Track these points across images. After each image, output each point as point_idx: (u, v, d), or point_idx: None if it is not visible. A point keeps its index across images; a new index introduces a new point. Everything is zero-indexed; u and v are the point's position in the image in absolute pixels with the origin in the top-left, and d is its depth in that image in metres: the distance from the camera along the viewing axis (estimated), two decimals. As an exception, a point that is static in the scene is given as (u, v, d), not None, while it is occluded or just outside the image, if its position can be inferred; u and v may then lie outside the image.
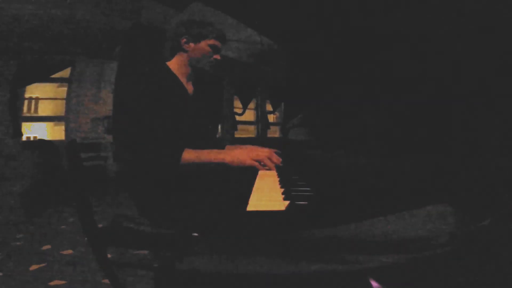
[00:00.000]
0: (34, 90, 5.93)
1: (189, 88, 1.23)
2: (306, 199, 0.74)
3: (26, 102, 5.10)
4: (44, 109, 6.23)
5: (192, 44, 1.17)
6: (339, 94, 1.36)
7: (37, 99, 6.33)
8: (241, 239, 0.57)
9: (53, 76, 4.77)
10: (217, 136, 5.91)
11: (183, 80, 1.20)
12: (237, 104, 6.60)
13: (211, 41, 1.18)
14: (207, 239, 0.64)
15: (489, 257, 0.43)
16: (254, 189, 0.92)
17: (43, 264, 1.92)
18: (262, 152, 1.13)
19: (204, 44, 1.18)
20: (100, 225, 1.04)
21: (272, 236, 0.55)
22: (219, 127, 6.09)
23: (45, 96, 6.01)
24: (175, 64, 1.20)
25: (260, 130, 7.10)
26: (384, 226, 0.49)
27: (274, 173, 1.14)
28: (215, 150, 1.08)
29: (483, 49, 0.52)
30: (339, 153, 1.00)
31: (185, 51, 1.18)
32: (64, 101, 4.94)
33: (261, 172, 1.13)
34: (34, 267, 1.88)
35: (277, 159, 1.14)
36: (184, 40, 1.17)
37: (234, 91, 6.43)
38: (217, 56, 1.21)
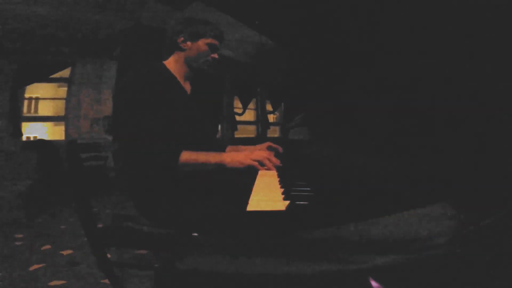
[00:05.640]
0: (34, 90, 5.93)
1: (187, 87, 1.23)
2: (306, 199, 0.74)
3: (26, 102, 5.10)
4: (44, 109, 6.23)
5: (189, 43, 1.17)
6: (339, 94, 1.36)
7: (37, 99, 6.33)
8: (241, 239, 0.57)
9: (53, 76, 4.77)
10: (217, 136, 5.91)
11: (180, 79, 1.19)
12: (237, 104, 6.60)
13: (209, 40, 1.18)
14: (207, 239, 0.64)
15: (489, 257, 0.43)
16: (254, 189, 0.92)
17: (43, 264, 1.92)
18: (261, 153, 1.13)
19: (201, 43, 1.17)
20: (100, 225, 1.04)
21: (272, 236, 0.55)
22: (219, 127, 6.08)
23: (45, 96, 6.01)
24: (172, 63, 1.19)
25: (260, 130, 7.09)
26: (384, 226, 0.49)
27: (274, 173, 1.14)
28: (214, 152, 1.08)
29: (485, 48, 0.52)
30: (339, 152, 1.00)
31: (182, 49, 1.18)
32: (64, 101, 4.94)
33: (261, 172, 1.13)
34: (34, 267, 1.88)
35: (275, 160, 1.14)
36: (182, 38, 1.16)
37: (234, 91, 6.43)
38: (215, 55, 1.21)
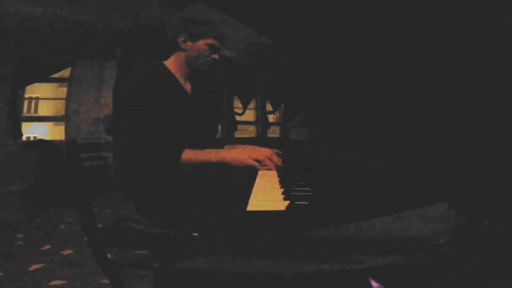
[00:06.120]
0: (34, 90, 5.94)
1: (187, 87, 1.23)
2: (306, 199, 0.74)
3: (26, 102, 5.11)
4: (44, 109, 6.24)
5: (189, 43, 1.17)
6: (340, 94, 1.36)
7: (37, 99, 6.33)
8: (241, 239, 0.57)
9: (53, 76, 4.77)
10: (217, 136, 5.91)
11: (181, 79, 1.20)
12: (237, 104, 6.60)
13: (209, 41, 1.18)
14: (207, 239, 0.64)
15: (489, 257, 0.43)
16: (254, 189, 0.92)
17: (43, 264, 1.93)
18: (263, 152, 1.13)
19: (202, 43, 1.17)
20: (100, 225, 1.04)
21: (272, 236, 0.55)
22: (219, 127, 6.09)
23: (45, 96, 6.01)
24: (172, 63, 1.19)
25: (260, 130, 7.09)
26: (383, 226, 0.49)
27: (274, 173, 1.14)
28: (215, 150, 1.09)
29: (484, 48, 0.52)
30: (339, 152, 1.00)
31: (183, 50, 1.18)
32: (64, 101, 4.94)
33: (261, 172, 1.13)
34: (34, 267, 1.88)
35: (277, 159, 1.14)
36: (182, 38, 1.17)
37: (234, 91, 6.43)
38: (215, 56, 1.21)
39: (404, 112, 0.67)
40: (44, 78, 4.74)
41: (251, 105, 6.97)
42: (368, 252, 0.50)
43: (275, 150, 1.39)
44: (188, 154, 1.02)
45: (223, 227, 0.84)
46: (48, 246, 2.26)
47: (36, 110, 6.55)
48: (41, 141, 4.53)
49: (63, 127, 4.93)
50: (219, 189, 1.15)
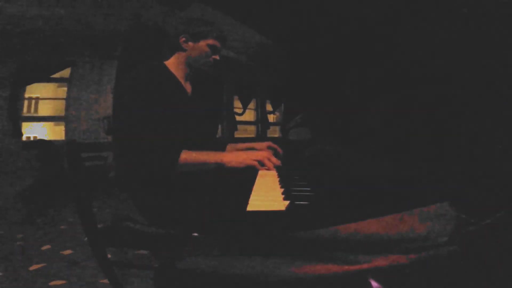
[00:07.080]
0: (34, 90, 5.94)
1: (188, 87, 1.23)
2: (306, 199, 0.74)
3: (26, 102, 5.10)
4: (44, 109, 6.24)
5: (191, 43, 1.17)
6: (339, 94, 1.36)
7: (37, 99, 6.34)
8: (241, 239, 0.57)
9: (53, 76, 4.77)
10: (217, 136, 5.91)
11: (181, 79, 1.19)
12: (237, 104, 6.60)
13: (211, 41, 1.18)
14: (207, 239, 0.64)
15: (489, 257, 0.43)
16: (254, 189, 0.92)
17: (43, 264, 1.92)
18: (262, 153, 1.13)
19: (203, 44, 1.17)
20: (100, 225, 1.04)
21: (272, 236, 0.55)
22: (219, 127, 6.09)
23: (45, 96, 6.01)
24: (173, 63, 1.19)
25: (260, 130, 7.09)
26: (384, 226, 0.49)
27: (274, 173, 1.13)
28: (213, 151, 1.08)
29: (485, 50, 0.52)
30: (339, 152, 1.00)
31: (184, 50, 1.18)
32: (64, 101, 4.94)
33: (261, 172, 1.13)
34: (34, 267, 1.88)
35: (276, 160, 1.14)
36: (183, 39, 1.16)
37: (234, 91, 6.43)
38: (216, 57, 1.20)
39: (404, 112, 0.67)
40: (44, 78, 4.74)
41: (251, 105, 6.97)
42: (368, 252, 0.50)
43: (275, 145, 1.39)
44: (187, 155, 1.02)
45: (223, 227, 0.84)
46: (48, 246, 2.26)
47: (36, 110, 6.55)
48: (41, 141, 4.53)
49: (63, 127, 4.92)
50: (219, 189, 1.14)
